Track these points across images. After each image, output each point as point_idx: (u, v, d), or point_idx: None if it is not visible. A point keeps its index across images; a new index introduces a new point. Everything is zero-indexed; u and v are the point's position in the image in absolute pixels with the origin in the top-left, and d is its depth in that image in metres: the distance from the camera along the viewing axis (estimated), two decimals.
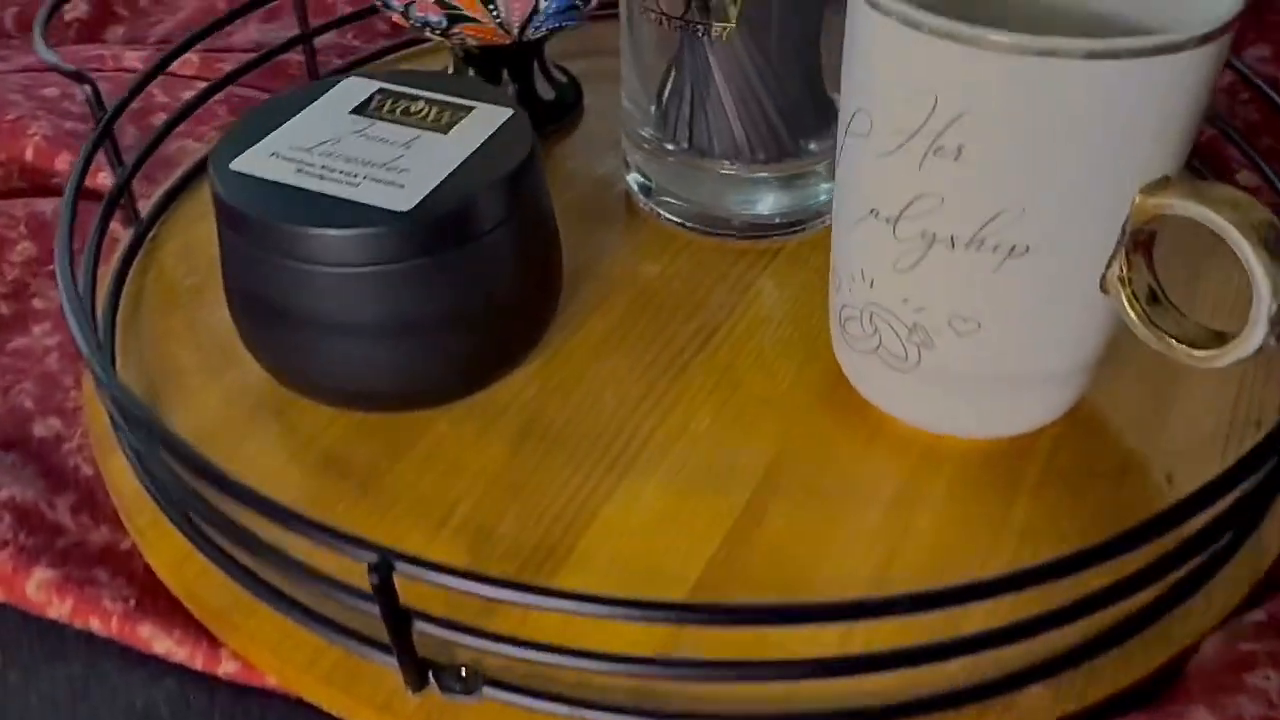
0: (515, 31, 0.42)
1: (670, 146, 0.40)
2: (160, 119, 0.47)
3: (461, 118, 0.34)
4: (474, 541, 0.31)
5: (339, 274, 0.30)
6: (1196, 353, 0.27)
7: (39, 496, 0.32)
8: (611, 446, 0.33)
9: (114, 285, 0.39)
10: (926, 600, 0.25)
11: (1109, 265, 0.28)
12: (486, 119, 0.34)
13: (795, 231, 0.41)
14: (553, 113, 0.47)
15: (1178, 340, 0.28)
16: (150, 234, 0.42)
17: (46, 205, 0.43)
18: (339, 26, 0.52)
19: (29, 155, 0.45)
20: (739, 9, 0.35)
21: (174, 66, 0.51)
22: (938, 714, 0.26)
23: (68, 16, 0.57)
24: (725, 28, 0.36)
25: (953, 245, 0.28)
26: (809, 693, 0.26)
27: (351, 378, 0.33)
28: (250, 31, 0.56)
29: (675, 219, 0.41)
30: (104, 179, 0.44)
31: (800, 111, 0.39)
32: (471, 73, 0.46)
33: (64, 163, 0.45)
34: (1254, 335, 0.26)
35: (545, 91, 0.47)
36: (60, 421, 0.36)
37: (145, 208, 0.42)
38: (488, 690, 0.27)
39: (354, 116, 0.34)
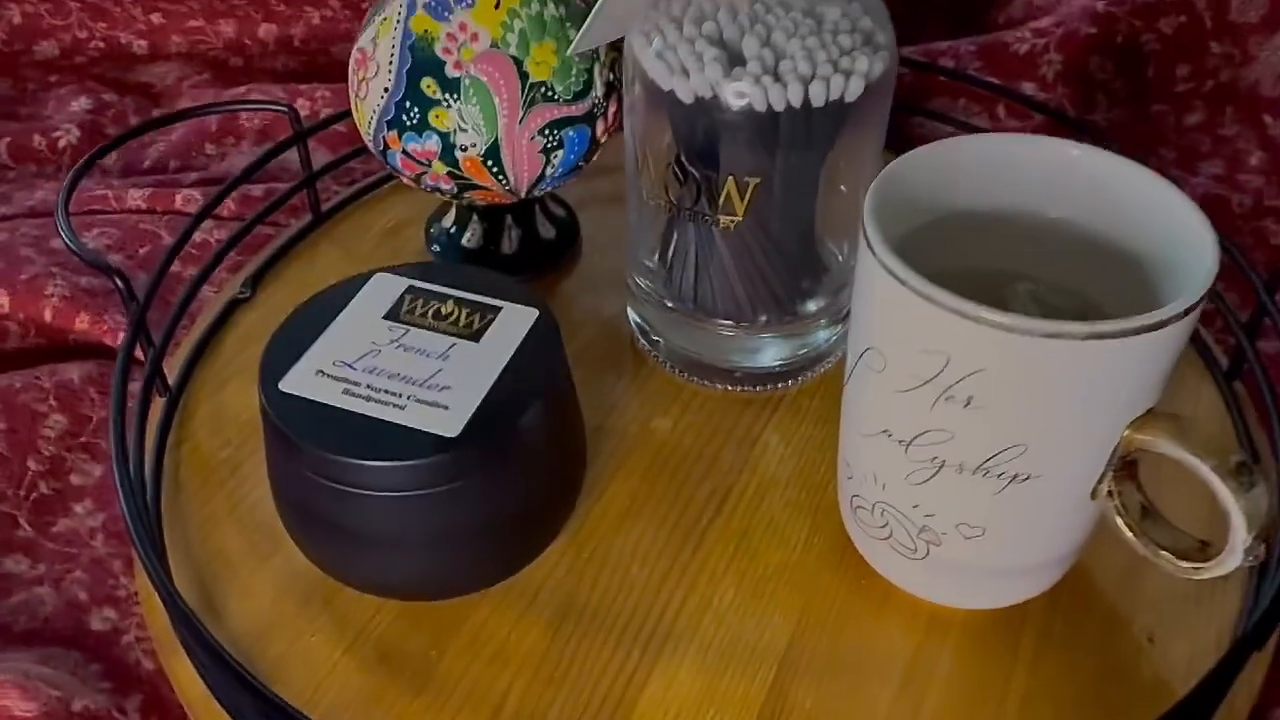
0: (522, 193, 0.44)
1: (671, 304, 0.43)
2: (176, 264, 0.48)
3: (491, 321, 0.36)
4: None
5: (389, 498, 0.33)
6: (1181, 564, 0.31)
7: (109, 702, 0.34)
8: (644, 625, 0.36)
9: (154, 464, 0.40)
10: None
11: (1100, 482, 0.31)
12: (514, 322, 0.36)
13: (796, 379, 0.44)
14: (555, 251, 0.50)
15: (1167, 550, 0.31)
16: (179, 402, 0.43)
17: (73, 372, 0.44)
18: (342, 164, 0.53)
19: (48, 316, 0.46)
20: (747, 203, 0.38)
21: (178, 203, 0.53)
22: None
23: (60, 143, 0.58)
24: (733, 220, 0.38)
25: (961, 470, 0.31)
26: None
27: (395, 578, 0.35)
28: (242, 160, 0.57)
29: (681, 371, 0.44)
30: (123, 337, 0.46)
31: (799, 275, 0.42)
32: (476, 220, 0.48)
33: (83, 322, 0.46)
34: (1231, 560, 0.29)
35: (546, 231, 0.49)
36: (115, 612, 0.38)
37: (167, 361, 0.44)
38: None
39: (388, 323, 0.36)
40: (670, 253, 0.42)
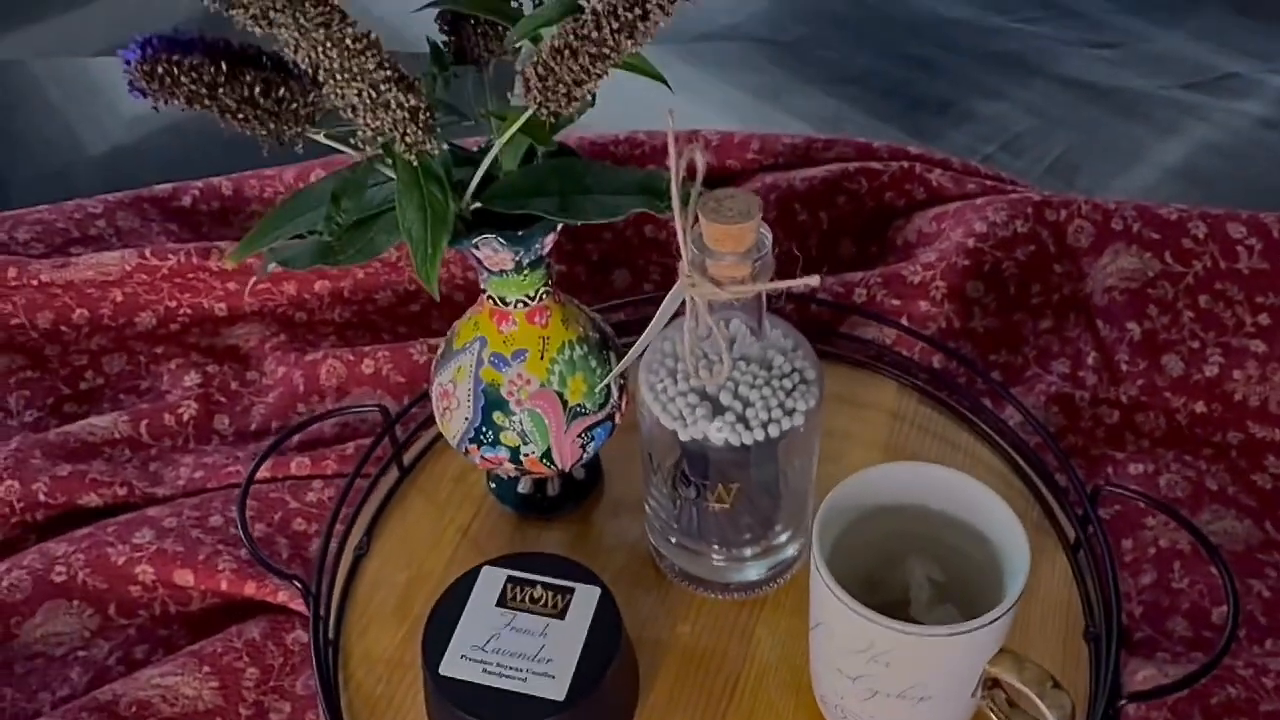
0: (569, 470, 0.61)
1: (677, 540, 0.60)
2: (299, 522, 0.65)
3: (569, 600, 0.54)
4: None
5: None
6: None
7: None
8: None
9: (332, 705, 0.57)
10: None
11: (975, 692, 0.49)
12: (586, 599, 0.54)
13: (774, 584, 0.61)
14: (586, 489, 0.67)
15: None
16: (339, 646, 0.60)
17: (254, 630, 0.61)
18: (408, 411, 0.70)
19: (224, 586, 0.63)
20: (732, 498, 0.55)
21: (293, 469, 0.69)
22: None
23: (184, 417, 0.74)
24: (723, 507, 0.56)
25: (888, 696, 0.49)
26: None
27: None
28: (329, 403, 0.74)
29: (690, 585, 0.62)
30: (283, 597, 0.62)
31: (772, 518, 0.59)
32: (529, 478, 0.65)
33: (251, 589, 0.63)
34: None
35: (579, 474, 0.67)
36: None
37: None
38: None
39: (500, 610, 0.54)
40: (677, 511, 0.60)
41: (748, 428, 0.53)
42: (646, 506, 0.61)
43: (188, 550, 0.64)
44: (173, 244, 0.80)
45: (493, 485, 0.67)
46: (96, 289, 0.79)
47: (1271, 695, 0.54)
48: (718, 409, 0.54)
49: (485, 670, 0.51)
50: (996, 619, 0.45)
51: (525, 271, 0.56)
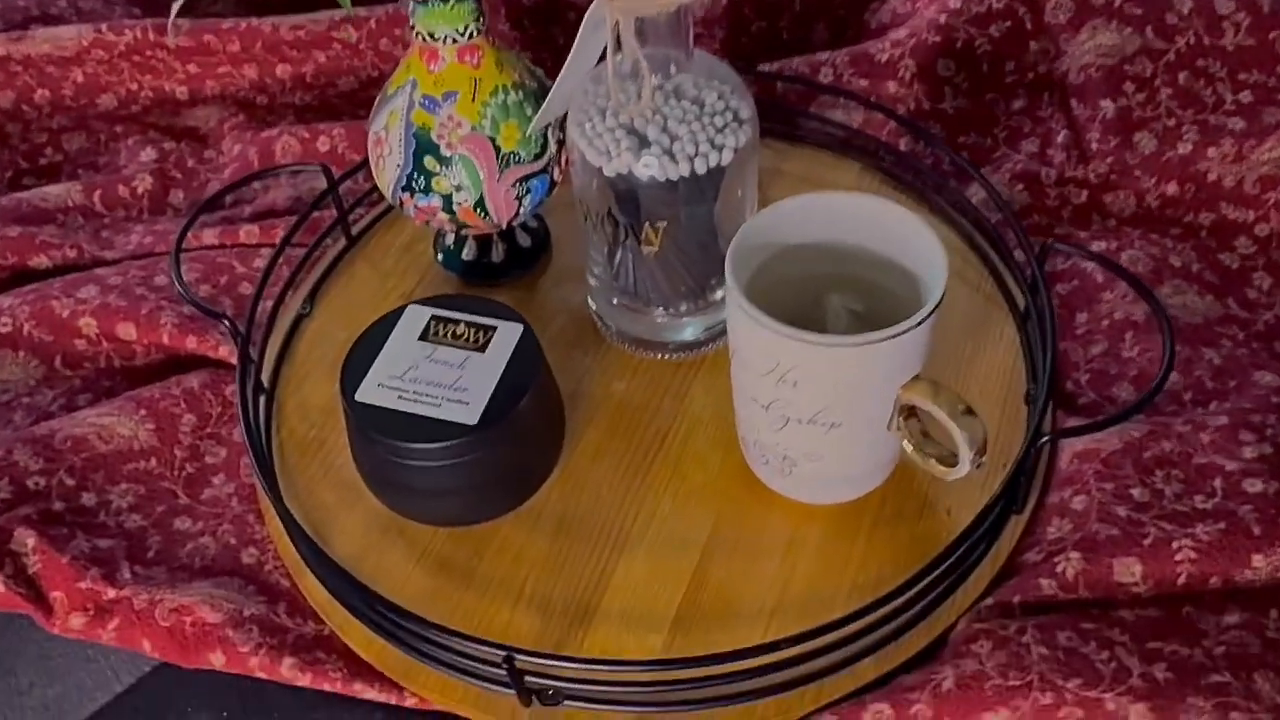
0: (503, 227, 0.60)
1: (617, 300, 0.59)
2: (245, 287, 0.65)
3: (491, 336, 0.53)
4: (540, 608, 0.51)
5: (435, 467, 0.50)
6: (939, 468, 0.48)
7: (266, 610, 0.52)
8: (611, 531, 0.54)
9: (266, 445, 0.58)
10: (809, 634, 0.46)
11: (890, 422, 0.48)
12: (507, 335, 0.53)
13: (711, 345, 0.61)
14: (532, 256, 0.66)
15: (934, 460, 0.49)
16: (274, 398, 0.61)
17: (193, 381, 0.61)
18: (353, 174, 0.69)
19: (165, 339, 0.63)
20: (660, 239, 0.54)
21: (242, 237, 0.69)
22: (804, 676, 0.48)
23: (139, 190, 0.73)
24: (652, 250, 0.55)
25: (800, 423, 0.48)
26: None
27: (443, 515, 0.53)
28: (283, 192, 0.73)
29: (629, 345, 0.61)
30: (224, 352, 0.62)
31: (707, 275, 0.58)
32: (471, 239, 0.64)
33: (192, 343, 0.63)
34: (964, 469, 0.47)
35: (524, 241, 0.66)
36: (256, 550, 0.55)
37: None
38: (567, 703, 0.48)
39: (422, 343, 0.53)
40: (615, 265, 0.59)
41: (674, 160, 0.51)
42: (589, 270, 0.60)
43: (131, 305, 0.64)
44: (129, 20, 0.78)
45: (439, 255, 0.66)
46: (57, 67, 0.78)
47: (1206, 449, 0.52)
48: (644, 143, 0.52)
49: (401, 397, 0.51)
50: (905, 331, 0.44)
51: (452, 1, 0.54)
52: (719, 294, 0.59)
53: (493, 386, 0.51)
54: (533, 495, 0.55)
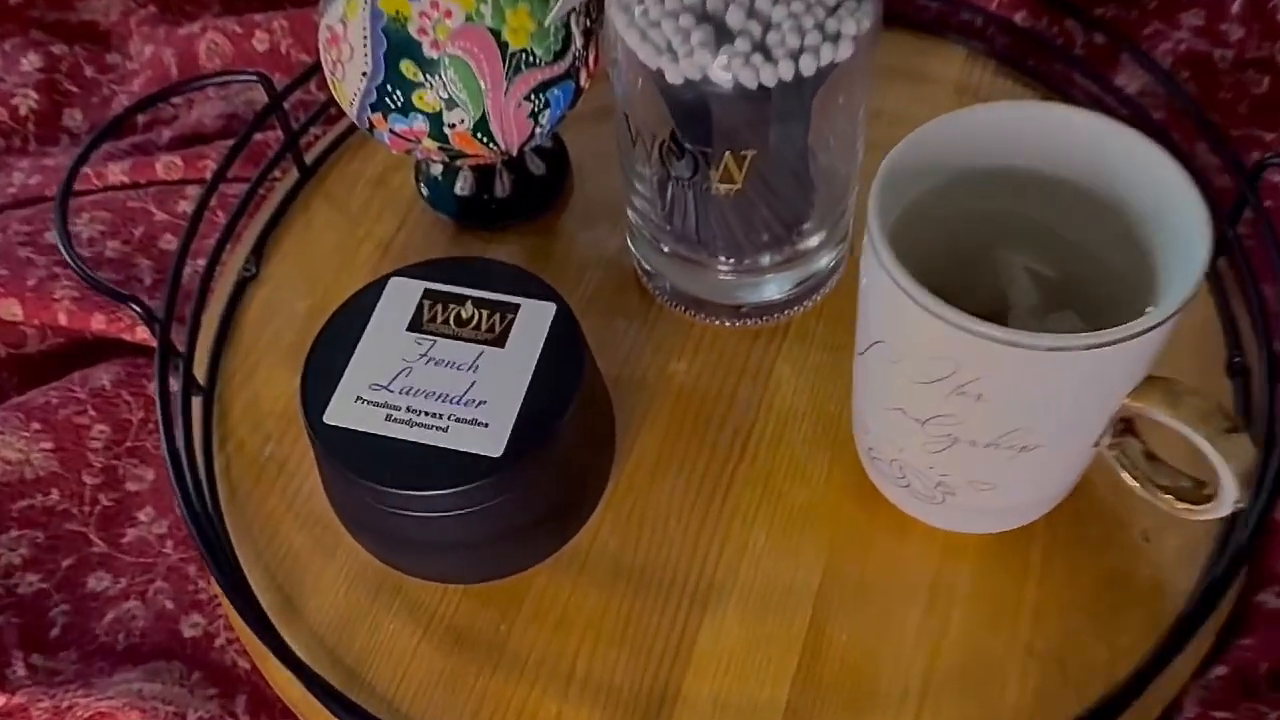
0: (513, 154, 0.44)
1: (669, 249, 0.44)
2: (168, 239, 0.49)
3: (512, 321, 0.38)
4: (598, 696, 0.37)
5: (444, 518, 0.35)
6: (1179, 505, 0.34)
7: (220, 709, 0.38)
8: (688, 578, 0.39)
9: (207, 468, 0.43)
10: None
11: (1100, 440, 0.34)
12: (535, 320, 0.38)
13: (800, 305, 0.45)
14: (548, 187, 0.50)
15: (1167, 492, 0.34)
16: (214, 398, 0.45)
17: (102, 377, 0.46)
18: (304, 83, 0.52)
19: (62, 319, 0.47)
20: (744, 173, 0.38)
21: (160, 171, 0.52)
22: None
23: (21, 110, 0.56)
24: (732, 188, 0.39)
25: (973, 445, 0.33)
26: None
27: (457, 571, 0.39)
28: (213, 107, 0.56)
29: (687, 309, 0.46)
30: (144, 334, 0.47)
31: (797, 212, 0.42)
32: (467, 168, 0.48)
33: (99, 322, 0.47)
34: (1222, 509, 0.32)
35: (536, 167, 0.49)
36: (202, 616, 0.41)
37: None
38: None
39: (414, 336, 0.38)
40: (668, 203, 0.43)
41: (768, 59, 0.35)
42: (629, 206, 0.45)
43: (13, 273, 0.47)
44: None
45: (424, 189, 0.50)
46: None
47: None
48: (723, 35, 0.36)
49: (390, 418, 0.36)
50: (1159, 325, 0.29)
51: None
52: (813, 239, 0.43)
53: (520, 398, 0.36)
54: (576, 533, 0.40)
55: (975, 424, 0.32)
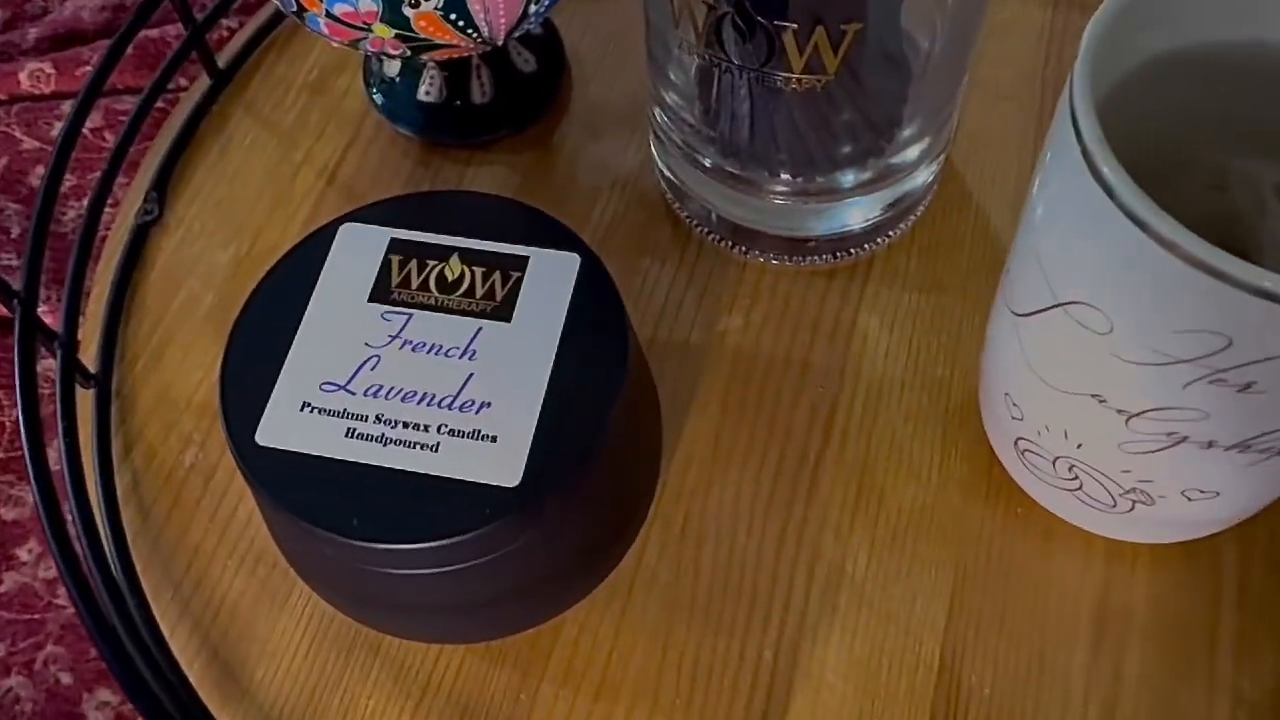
0: (499, 42, 0.32)
1: (711, 163, 0.33)
2: (40, 173, 0.37)
3: (519, 282, 0.26)
4: None
5: (439, 574, 0.25)
6: None
7: None
8: (770, 616, 0.29)
9: (104, 488, 0.31)
10: None
11: None
12: (551, 278, 0.26)
13: (888, 236, 0.34)
14: (540, 88, 0.38)
15: None
16: (110, 389, 0.34)
17: None
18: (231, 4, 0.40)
19: None
20: (841, 57, 0.27)
21: (24, 84, 0.40)
22: None
23: None
24: (820, 80, 0.28)
25: (1209, 447, 0.23)
26: None
27: (456, 633, 0.28)
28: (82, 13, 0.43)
29: (736, 245, 0.35)
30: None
31: (891, 110, 0.31)
32: (433, 64, 0.36)
33: None
34: None
35: (524, 63, 0.38)
36: (111, 693, 0.30)
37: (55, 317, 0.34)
38: None
39: (380, 308, 0.26)
40: (714, 103, 0.32)
41: None
42: (656, 106, 0.33)
43: None
44: None
45: (377, 96, 0.38)
46: None
47: None
48: None
49: (353, 434, 0.25)
50: None
51: None
52: (912, 151, 0.32)
53: (540, 397, 0.25)
54: (616, 566, 0.30)
55: (1224, 421, 0.22)
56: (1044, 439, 0.26)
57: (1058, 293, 0.23)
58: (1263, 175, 0.24)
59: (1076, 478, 0.27)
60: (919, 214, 0.35)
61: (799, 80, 0.28)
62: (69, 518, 0.30)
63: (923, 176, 0.34)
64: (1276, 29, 0.23)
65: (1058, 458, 0.26)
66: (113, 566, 0.30)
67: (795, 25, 0.26)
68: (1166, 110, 0.24)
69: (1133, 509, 0.26)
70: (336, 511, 0.24)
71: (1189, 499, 0.25)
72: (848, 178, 0.32)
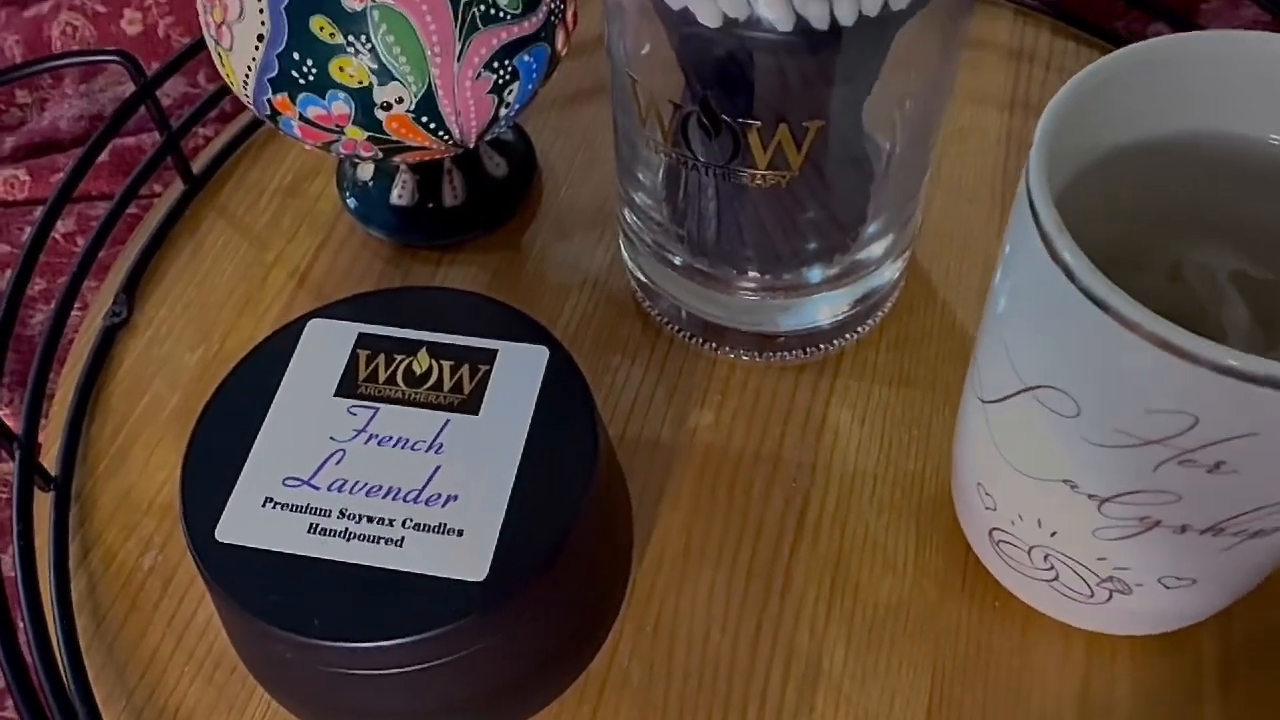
0: (470, 145, 0.33)
1: (682, 261, 0.33)
2: (6, 277, 0.37)
3: (487, 375, 0.26)
4: None
5: (399, 675, 0.24)
6: None
7: None
8: (746, 714, 0.28)
9: (59, 592, 0.30)
10: None
11: None
12: (518, 371, 0.26)
13: (855, 332, 0.35)
14: (511, 191, 0.38)
15: None
16: (70, 492, 0.33)
17: None
18: (184, 63, 0.40)
19: None
20: (804, 154, 0.28)
21: (1, 190, 0.40)
22: None
23: None
24: (784, 176, 0.28)
25: (1182, 531, 0.23)
26: None
27: None
28: (71, 107, 0.43)
29: (704, 341, 0.35)
30: None
31: (855, 207, 0.32)
32: (405, 169, 0.37)
33: None
34: None
35: (495, 167, 0.38)
36: None
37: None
38: None
39: (346, 403, 0.26)
40: (681, 202, 0.32)
41: None
42: (625, 206, 0.34)
43: None
44: None
45: (349, 200, 0.39)
46: None
47: None
48: None
49: (316, 530, 0.24)
50: None
51: None
52: (877, 248, 0.33)
53: (507, 490, 0.25)
54: (587, 666, 0.29)
55: (1198, 503, 0.22)
56: (1018, 528, 0.26)
57: (1024, 378, 0.23)
58: (1217, 264, 0.24)
59: (1052, 567, 0.26)
60: (886, 310, 0.35)
61: (764, 177, 0.28)
62: (20, 624, 0.29)
63: (889, 273, 0.34)
64: (1209, 120, 0.24)
65: (1032, 547, 0.26)
66: (64, 675, 0.29)
67: (759, 123, 0.27)
68: (1124, 204, 0.25)
69: (1110, 599, 0.26)
70: (296, 610, 0.23)
71: (1166, 586, 0.25)
72: (814, 274, 0.33)
